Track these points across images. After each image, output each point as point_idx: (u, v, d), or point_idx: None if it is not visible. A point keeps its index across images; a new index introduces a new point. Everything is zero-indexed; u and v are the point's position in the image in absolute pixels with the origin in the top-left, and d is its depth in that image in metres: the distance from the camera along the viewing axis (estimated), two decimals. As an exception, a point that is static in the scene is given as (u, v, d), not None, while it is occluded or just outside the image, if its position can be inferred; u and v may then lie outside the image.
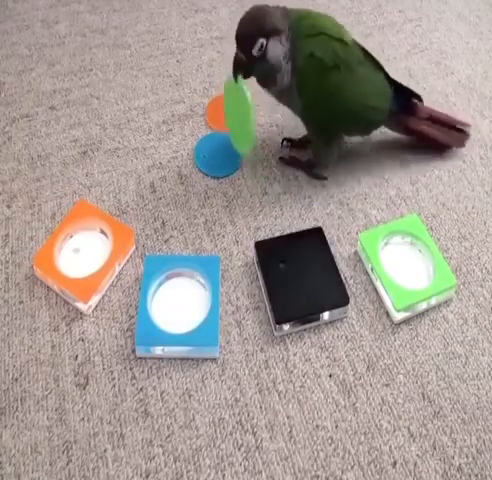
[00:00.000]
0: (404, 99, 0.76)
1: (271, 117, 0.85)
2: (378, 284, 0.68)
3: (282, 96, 0.72)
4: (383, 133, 0.83)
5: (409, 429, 0.59)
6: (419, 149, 0.82)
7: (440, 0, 1.09)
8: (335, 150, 0.77)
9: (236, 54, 0.65)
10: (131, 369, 0.62)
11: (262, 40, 0.63)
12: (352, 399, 0.61)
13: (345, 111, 0.71)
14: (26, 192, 0.77)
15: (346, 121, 0.74)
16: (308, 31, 0.66)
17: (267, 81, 0.68)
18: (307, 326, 0.65)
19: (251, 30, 0.64)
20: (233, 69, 0.66)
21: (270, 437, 0.58)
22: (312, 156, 0.79)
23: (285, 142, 0.82)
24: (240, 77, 0.67)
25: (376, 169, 0.81)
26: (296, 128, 0.81)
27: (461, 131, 0.82)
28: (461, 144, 0.82)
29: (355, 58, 0.70)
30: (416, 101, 0.78)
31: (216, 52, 0.96)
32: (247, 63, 0.65)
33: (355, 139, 0.82)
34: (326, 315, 0.65)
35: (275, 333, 0.65)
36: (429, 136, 0.79)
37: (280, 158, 0.80)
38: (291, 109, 0.74)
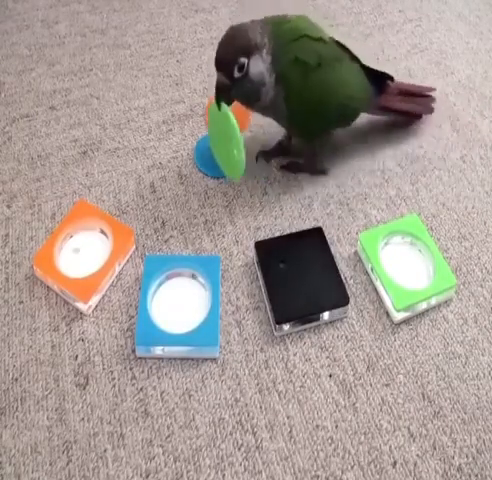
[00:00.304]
0: (378, 82, 0.77)
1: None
2: (378, 284, 0.68)
3: (266, 109, 0.70)
4: (383, 133, 0.84)
5: (409, 429, 0.59)
6: (419, 147, 0.83)
7: (440, 0, 1.09)
8: (328, 145, 0.79)
9: (218, 79, 0.63)
10: (131, 369, 0.62)
11: (243, 59, 0.62)
12: (352, 399, 0.61)
13: (332, 108, 0.71)
14: (26, 192, 0.77)
15: (334, 117, 0.74)
16: (289, 36, 0.66)
17: (250, 99, 0.67)
18: (307, 326, 0.65)
19: (230, 52, 0.63)
20: (216, 95, 0.65)
21: (270, 437, 0.58)
22: (307, 157, 0.80)
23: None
24: (223, 104, 0.65)
25: (376, 169, 0.81)
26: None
27: (427, 96, 0.85)
28: (430, 110, 0.85)
29: (334, 54, 0.71)
30: (389, 82, 0.79)
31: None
32: (231, 86, 0.63)
33: (355, 139, 0.82)
34: (326, 315, 0.65)
35: (275, 333, 0.65)
36: (402, 110, 0.82)
37: (281, 167, 0.80)
38: (276, 120, 0.74)
